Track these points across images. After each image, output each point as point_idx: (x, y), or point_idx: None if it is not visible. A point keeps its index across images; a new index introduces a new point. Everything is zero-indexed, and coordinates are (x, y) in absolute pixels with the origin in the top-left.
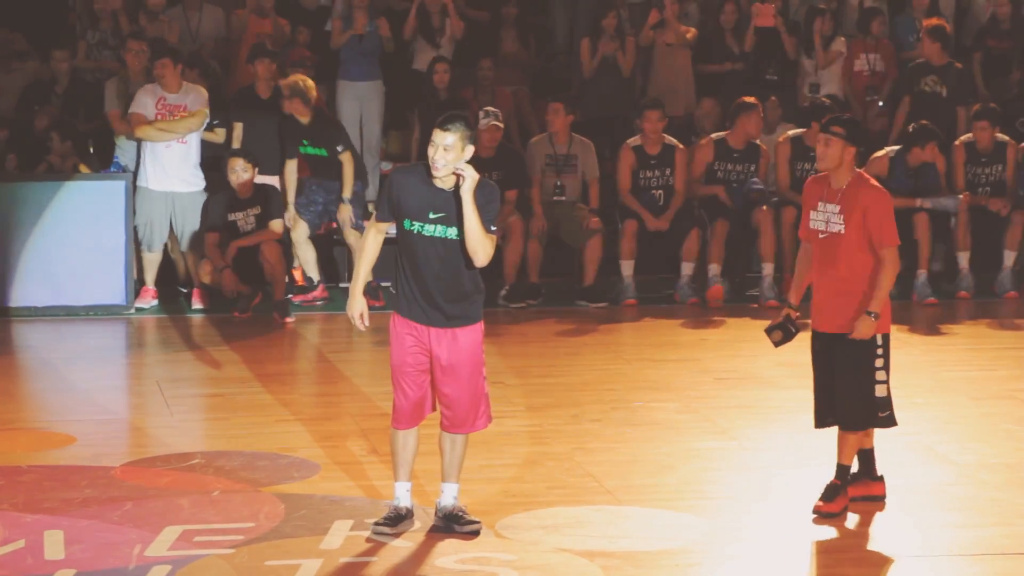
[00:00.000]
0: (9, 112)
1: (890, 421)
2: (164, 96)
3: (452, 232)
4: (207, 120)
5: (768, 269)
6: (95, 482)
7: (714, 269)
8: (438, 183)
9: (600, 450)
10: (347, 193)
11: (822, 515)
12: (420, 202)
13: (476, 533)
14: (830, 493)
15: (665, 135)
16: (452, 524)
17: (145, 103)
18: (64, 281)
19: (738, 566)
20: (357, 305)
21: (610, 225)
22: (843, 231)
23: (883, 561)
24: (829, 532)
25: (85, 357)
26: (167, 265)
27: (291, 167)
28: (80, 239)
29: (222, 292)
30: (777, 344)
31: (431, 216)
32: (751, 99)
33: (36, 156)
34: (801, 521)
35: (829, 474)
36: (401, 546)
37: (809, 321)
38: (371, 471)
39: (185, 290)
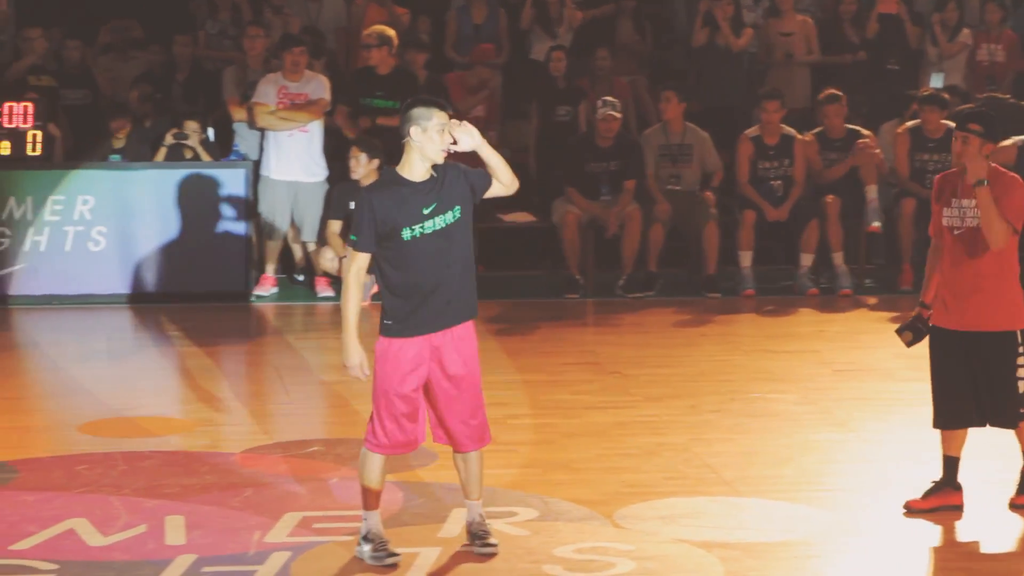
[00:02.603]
0: (128, 100)
1: None
2: (286, 85)
3: (449, 217)
4: (328, 109)
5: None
6: (215, 468)
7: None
8: (422, 176)
9: (718, 441)
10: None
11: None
12: (410, 205)
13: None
14: None
15: (783, 125)
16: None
17: (267, 92)
18: (184, 267)
19: (857, 559)
20: (355, 355)
21: (728, 216)
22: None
23: (1002, 558)
24: (947, 527)
25: (204, 344)
26: (284, 253)
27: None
28: (201, 226)
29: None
30: (909, 344)
31: (426, 212)
32: (833, 90)
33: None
34: (920, 514)
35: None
36: (518, 535)
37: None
38: (488, 459)
39: (301, 278)
